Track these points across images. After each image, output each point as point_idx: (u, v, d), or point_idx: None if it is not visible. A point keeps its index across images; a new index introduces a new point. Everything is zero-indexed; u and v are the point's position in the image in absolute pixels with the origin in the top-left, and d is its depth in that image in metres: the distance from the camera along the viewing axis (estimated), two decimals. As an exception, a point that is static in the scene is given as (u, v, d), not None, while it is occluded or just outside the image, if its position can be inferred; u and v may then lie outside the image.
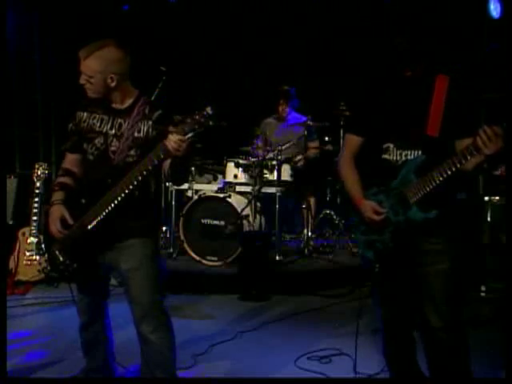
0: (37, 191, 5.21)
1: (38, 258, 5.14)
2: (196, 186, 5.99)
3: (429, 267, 2.53)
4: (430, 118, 2.50)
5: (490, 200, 4.97)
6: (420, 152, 2.54)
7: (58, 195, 2.87)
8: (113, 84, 2.76)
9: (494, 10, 5.69)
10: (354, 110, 2.81)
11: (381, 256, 2.60)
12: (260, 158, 5.83)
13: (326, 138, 6.41)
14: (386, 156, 2.62)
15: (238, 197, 5.79)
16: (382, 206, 2.58)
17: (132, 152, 2.78)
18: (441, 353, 2.56)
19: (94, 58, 2.72)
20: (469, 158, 2.34)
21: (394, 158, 2.59)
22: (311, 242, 6.13)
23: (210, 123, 2.47)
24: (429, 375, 2.68)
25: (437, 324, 2.53)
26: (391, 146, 2.60)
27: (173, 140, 2.46)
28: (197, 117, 2.45)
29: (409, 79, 2.53)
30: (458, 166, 2.37)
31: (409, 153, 2.56)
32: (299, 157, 6.16)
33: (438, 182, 2.43)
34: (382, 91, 2.66)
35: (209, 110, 2.45)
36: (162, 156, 2.56)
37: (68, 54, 6.44)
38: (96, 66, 2.72)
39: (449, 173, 2.40)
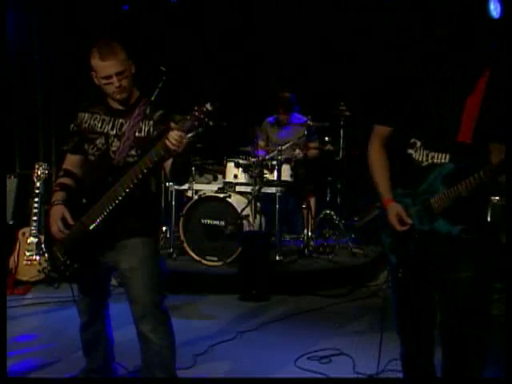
0: (37, 191, 5.21)
1: (37, 258, 5.14)
2: (196, 186, 5.99)
3: (452, 274, 2.45)
4: (462, 122, 2.35)
5: (490, 200, 4.97)
6: (448, 156, 2.40)
7: (58, 195, 2.87)
8: (133, 69, 2.80)
9: (494, 10, 5.68)
10: (381, 99, 2.64)
11: (404, 261, 2.52)
12: (260, 158, 5.83)
13: (326, 138, 6.40)
14: (411, 151, 2.49)
15: (238, 197, 5.79)
16: (407, 211, 2.49)
17: (133, 152, 2.79)
18: (456, 357, 2.53)
19: (118, 51, 2.72)
20: (497, 176, 2.25)
21: (420, 157, 2.46)
22: (311, 242, 6.13)
23: (210, 123, 2.47)
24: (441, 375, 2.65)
25: (453, 331, 2.50)
26: (418, 142, 2.47)
27: (172, 137, 2.46)
28: (196, 113, 2.45)
29: (447, 73, 2.38)
30: (487, 182, 2.27)
31: (436, 155, 2.43)
32: (298, 151, 6.14)
33: (464, 195, 2.33)
34: (414, 82, 2.48)
35: (208, 106, 2.44)
36: (163, 153, 2.56)
37: (68, 54, 6.49)
38: (124, 56, 2.73)
39: (475, 187, 2.29)
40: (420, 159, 2.47)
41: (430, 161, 2.45)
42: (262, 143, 6.23)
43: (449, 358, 2.57)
